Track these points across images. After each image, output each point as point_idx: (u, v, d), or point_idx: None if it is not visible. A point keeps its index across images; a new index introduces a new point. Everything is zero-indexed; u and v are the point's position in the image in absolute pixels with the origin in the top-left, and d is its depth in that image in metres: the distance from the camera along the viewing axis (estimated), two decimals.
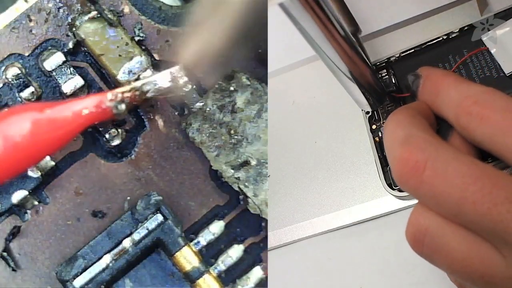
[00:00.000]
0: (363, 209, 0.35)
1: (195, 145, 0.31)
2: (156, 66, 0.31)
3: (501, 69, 0.32)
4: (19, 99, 0.31)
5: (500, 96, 0.24)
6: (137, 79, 0.30)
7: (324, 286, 0.35)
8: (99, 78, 0.31)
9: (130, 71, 0.30)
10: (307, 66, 0.39)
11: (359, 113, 0.36)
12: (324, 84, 0.38)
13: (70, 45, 0.31)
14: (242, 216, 0.32)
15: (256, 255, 0.32)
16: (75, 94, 0.31)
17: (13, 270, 0.31)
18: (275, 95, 0.38)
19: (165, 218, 0.30)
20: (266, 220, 0.31)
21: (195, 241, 0.31)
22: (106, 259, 0.30)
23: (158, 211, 0.30)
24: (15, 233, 0.31)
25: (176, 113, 0.31)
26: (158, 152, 0.31)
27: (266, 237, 0.32)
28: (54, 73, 0.31)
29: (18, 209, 0.31)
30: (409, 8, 0.36)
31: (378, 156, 0.34)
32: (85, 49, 0.31)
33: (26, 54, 0.31)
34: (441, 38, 0.34)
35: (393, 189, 0.33)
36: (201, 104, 0.31)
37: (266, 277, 0.31)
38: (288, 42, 0.38)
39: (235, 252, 0.31)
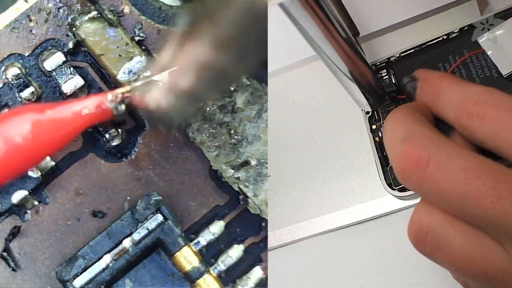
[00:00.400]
0: (363, 209, 0.35)
1: (195, 145, 0.31)
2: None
3: (499, 71, 0.32)
4: (19, 99, 0.31)
5: (500, 95, 0.24)
6: (137, 79, 0.30)
7: (324, 286, 0.35)
8: (99, 78, 0.31)
9: (130, 71, 0.30)
10: (307, 66, 0.39)
11: (359, 113, 0.36)
12: (324, 84, 0.38)
13: (70, 45, 0.31)
14: (242, 216, 0.32)
15: (256, 255, 0.32)
16: (75, 94, 0.31)
17: (13, 270, 0.31)
18: (275, 95, 0.38)
19: (165, 218, 0.30)
20: (266, 220, 0.31)
21: (195, 241, 0.31)
22: (106, 259, 0.30)
23: (158, 211, 0.30)
24: (15, 233, 0.31)
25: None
26: (158, 152, 0.31)
27: (266, 237, 0.32)
28: (54, 73, 0.31)
29: (18, 209, 0.31)
30: (409, 8, 0.36)
31: (378, 156, 0.34)
32: (85, 49, 0.31)
33: (26, 54, 0.31)
34: (441, 38, 0.34)
35: (393, 189, 0.33)
36: (201, 104, 0.31)
37: (266, 277, 0.31)
38: (288, 42, 0.38)
39: (235, 252, 0.31)
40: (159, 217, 0.30)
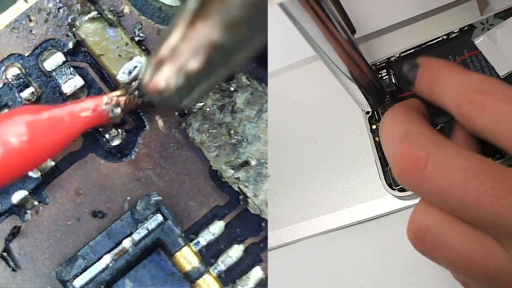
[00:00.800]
0: (363, 209, 0.35)
1: (195, 145, 0.31)
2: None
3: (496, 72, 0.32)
4: (19, 99, 0.31)
5: (502, 85, 0.24)
6: (137, 79, 0.30)
7: (324, 286, 0.35)
8: (99, 78, 0.31)
9: (130, 71, 0.30)
10: (307, 66, 0.39)
11: (359, 113, 0.36)
12: (324, 84, 0.38)
13: (70, 45, 0.31)
14: (242, 216, 0.32)
15: (256, 255, 0.32)
16: (75, 94, 0.31)
17: (13, 270, 0.31)
18: (275, 95, 0.38)
19: (165, 218, 0.30)
20: (266, 220, 0.31)
21: (195, 241, 0.31)
22: (106, 259, 0.30)
23: (158, 211, 0.30)
24: (15, 233, 0.31)
25: (176, 113, 0.31)
26: (158, 152, 0.31)
27: (266, 237, 0.32)
28: (54, 73, 0.31)
29: (18, 209, 0.31)
30: (409, 8, 0.36)
31: (378, 156, 0.34)
32: (85, 49, 0.31)
33: (26, 54, 0.31)
34: (441, 38, 0.34)
35: (393, 189, 0.33)
36: (201, 104, 0.31)
37: (266, 277, 0.31)
38: (288, 42, 0.38)
39: (235, 252, 0.31)
40: (159, 217, 0.30)
